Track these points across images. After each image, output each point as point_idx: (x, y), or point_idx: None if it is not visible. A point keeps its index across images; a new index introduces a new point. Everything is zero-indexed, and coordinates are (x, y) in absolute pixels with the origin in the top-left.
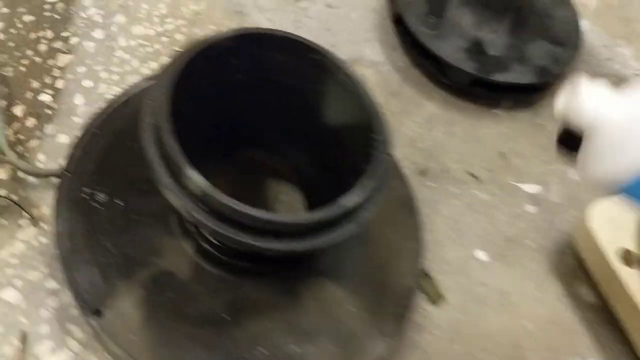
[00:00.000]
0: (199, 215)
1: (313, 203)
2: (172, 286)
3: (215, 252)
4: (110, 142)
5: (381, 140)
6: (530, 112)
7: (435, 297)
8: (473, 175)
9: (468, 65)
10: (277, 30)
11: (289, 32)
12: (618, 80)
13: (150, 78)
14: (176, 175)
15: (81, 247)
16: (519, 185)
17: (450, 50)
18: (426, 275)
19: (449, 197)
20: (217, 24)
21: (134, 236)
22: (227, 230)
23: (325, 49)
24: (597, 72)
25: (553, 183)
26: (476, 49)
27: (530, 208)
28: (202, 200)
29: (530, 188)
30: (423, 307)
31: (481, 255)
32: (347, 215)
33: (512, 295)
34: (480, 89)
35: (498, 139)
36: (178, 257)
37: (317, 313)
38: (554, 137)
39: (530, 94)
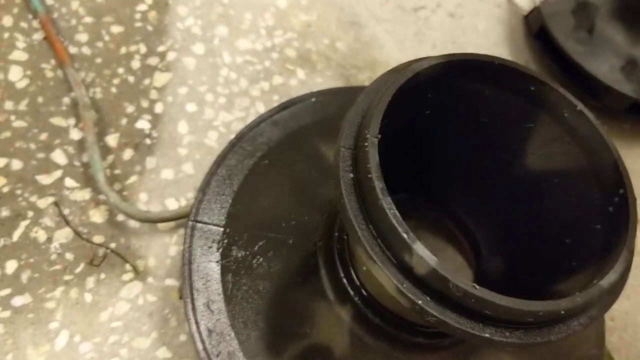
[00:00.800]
0: (423, 303)
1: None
2: None
3: (379, 322)
4: (240, 187)
5: (632, 199)
6: None
7: None
8: None
9: (626, 87)
10: (489, 56)
11: (503, 59)
12: None
13: (284, 107)
14: (395, 251)
15: (220, 318)
16: None
17: (605, 69)
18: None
19: None
20: (332, 37)
21: (280, 302)
22: (461, 323)
23: (548, 79)
24: None
25: None
26: (632, 67)
27: None
28: (427, 282)
29: None
30: None
31: None
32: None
33: None
34: (638, 113)
35: None
36: (333, 327)
37: None
38: None
39: None
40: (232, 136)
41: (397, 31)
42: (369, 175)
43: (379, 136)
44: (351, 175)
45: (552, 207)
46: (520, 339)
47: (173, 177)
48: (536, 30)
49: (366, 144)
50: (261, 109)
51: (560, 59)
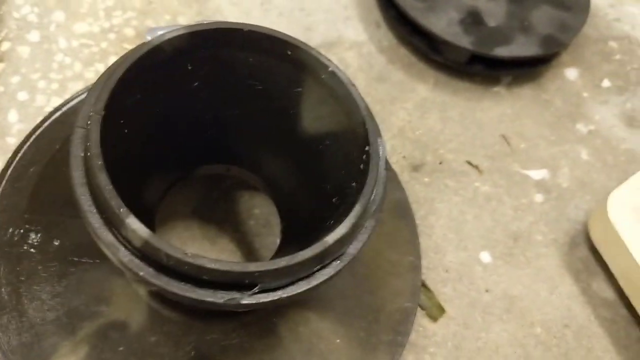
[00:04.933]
0: (144, 273)
1: (289, 218)
2: (125, 339)
3: None
4: (45, 167)
5: (374, 153)
6: (535, 88)
7: (436, 312)
8: (473, 165)
9: (464, 40)
10: (238, 23)
11: (254, 25)
12: (629, 44)
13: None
14: (115, 225)
15: (7, 303)
16: (525, 172)
17: (444, 23)
18: (426, 289)
19: (447, 193)
20: (174, 12)
21: (75, 282)
22: (181, 289)
23: (303, 42)
24: (606, 36)
25: (563, 167)
26: (473, 20)
27: (539, 197)
28: (144, 253)
29: (538, 174)
30: (422, 325)
31: (485, 257)
32: (332, 251)
33: (520, 300)
34: (479, 65)
35: (499, 121)
36: (130, 303)
37: (300, 353)
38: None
39: (534, 67)
40: None
41: (242, 1)
42: (89, 153)
43: (103, 112)
44: (82, 154)
45: (328, 168)
46: (255, 299)
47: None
48: None
49: (89, 121)
50: None
51: (402, 16)
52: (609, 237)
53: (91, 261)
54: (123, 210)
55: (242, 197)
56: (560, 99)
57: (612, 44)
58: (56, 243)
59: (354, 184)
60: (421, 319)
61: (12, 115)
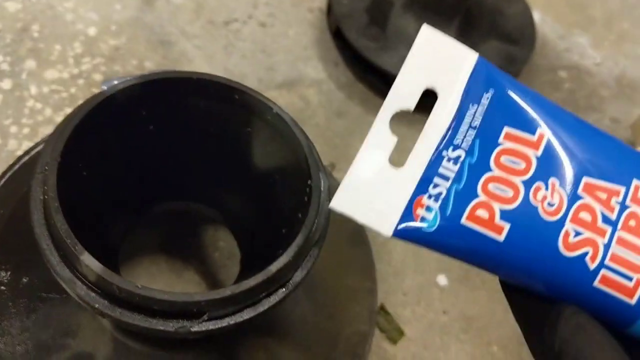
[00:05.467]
0: (100, 305)
1: (247, 249)
2: None
3: None
4: (14, 209)
5: (316, 186)
6: None
7: (395, 335)
8: None
9: None
10: (188, 72)
11: (202, 73)
12: (578, 73)
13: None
14: (71, 262)
15: None
16: None
17: (395, 60)
18: (385, 313)
19: None
20: (141, 57)
21: (43, 317)
22: (134, 318)
23: (248, 87)
24: (556, 65)
25: None
26: None
27: None
28: (99, 287)
29: None
30: (383, 347)
31: (442, 280)
32: (276, 279)
33: (477, 320)
34: (433, 99)
35: None
36: (96, 335)
37: None
38: None
39: None
40: None
41: (206, 46)
42: (46, 196)
43: (59, 159)
44: (41, 197)
45: (278, 201)
46: (187, 327)
47: None
48: (334, 30)
49: (46, 167)
50: None
51: (359, 56)
52: None
53: (59, 296)
54: (78, 247)
55: (207, 231)
56: None
57: (562, 73)
58: (25, 280)
59: (299, 215)
60: (381, 342)
61: None
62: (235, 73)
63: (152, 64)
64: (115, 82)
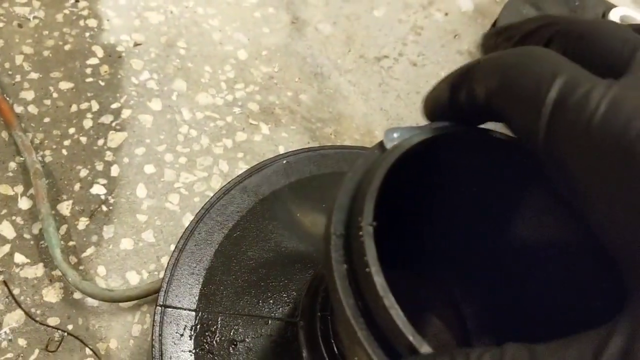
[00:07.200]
0: None
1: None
2: None
3: None
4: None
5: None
6: None
7: None
8: None
9: None
10: (480, 129)
11: (494, 131)
12: None
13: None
14: (399, 353)
15: None
16: None
17: None
18: None
19: None
20: (295, 89)
21: None
22: None
23: None
24: None
25: None
26: None
27: None
28: None
29: None
30: None
31: None
32: None
33: None
34: None
35: None
36: None
37: None
38: None
39: None
40: (196, 199)
41: (360, 82)
42: (367, 270)
43: (374, 223)
44: (345, 266)
45: (547, 285)
46: None
47: (133, 247)
48: None
49: (360, 233)
50: (224, 167)
51: None
52: None
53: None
54: (417, 338)
55: (426, 315)
56: None
57: None
58: (239, 348)
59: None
60: None
61: (141, 191)
62: (391, 114)
63: (307, 98)
64: (395, 134)
